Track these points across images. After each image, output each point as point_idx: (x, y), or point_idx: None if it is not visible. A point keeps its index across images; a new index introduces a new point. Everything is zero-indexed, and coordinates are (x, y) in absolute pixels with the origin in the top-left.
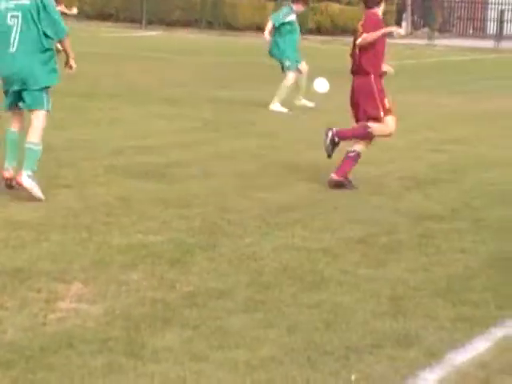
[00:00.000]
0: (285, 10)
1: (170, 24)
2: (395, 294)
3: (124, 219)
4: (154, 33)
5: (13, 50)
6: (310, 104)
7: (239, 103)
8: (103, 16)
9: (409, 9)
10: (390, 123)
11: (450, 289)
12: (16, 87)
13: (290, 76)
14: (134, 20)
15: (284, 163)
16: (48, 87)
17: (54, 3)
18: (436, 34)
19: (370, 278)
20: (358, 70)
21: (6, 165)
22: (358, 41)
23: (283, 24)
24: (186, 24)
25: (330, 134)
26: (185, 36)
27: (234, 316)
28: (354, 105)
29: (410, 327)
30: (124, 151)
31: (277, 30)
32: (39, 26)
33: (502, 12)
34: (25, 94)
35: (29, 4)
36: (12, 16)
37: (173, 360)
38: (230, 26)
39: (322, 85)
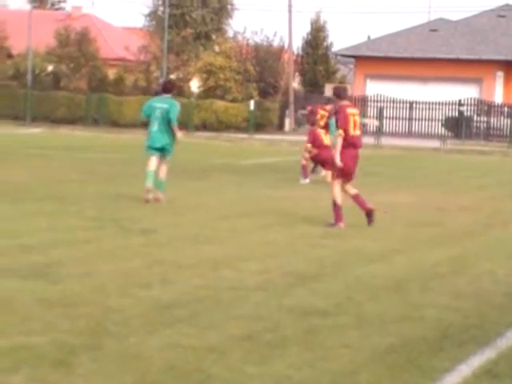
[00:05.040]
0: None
1: (55, 121)
2: None
3: (5, 320)
4: (37, 130)
5: None
6: None
7: (123, 200)
8: None
9: (292, 106)
10: None
11: None
12: None
13: None
14: (17, 117)
15: (167, 260)
16: None
17: None
18: None
19: (256, 375)
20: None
21: None
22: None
23: None
24: (71, 121)
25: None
26: (69, 133)
27: None
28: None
29: None
30: (4, 251)
31: None
32: None
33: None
34: None
35: None
36: None
37: None
38: (115, 123)
39: None
